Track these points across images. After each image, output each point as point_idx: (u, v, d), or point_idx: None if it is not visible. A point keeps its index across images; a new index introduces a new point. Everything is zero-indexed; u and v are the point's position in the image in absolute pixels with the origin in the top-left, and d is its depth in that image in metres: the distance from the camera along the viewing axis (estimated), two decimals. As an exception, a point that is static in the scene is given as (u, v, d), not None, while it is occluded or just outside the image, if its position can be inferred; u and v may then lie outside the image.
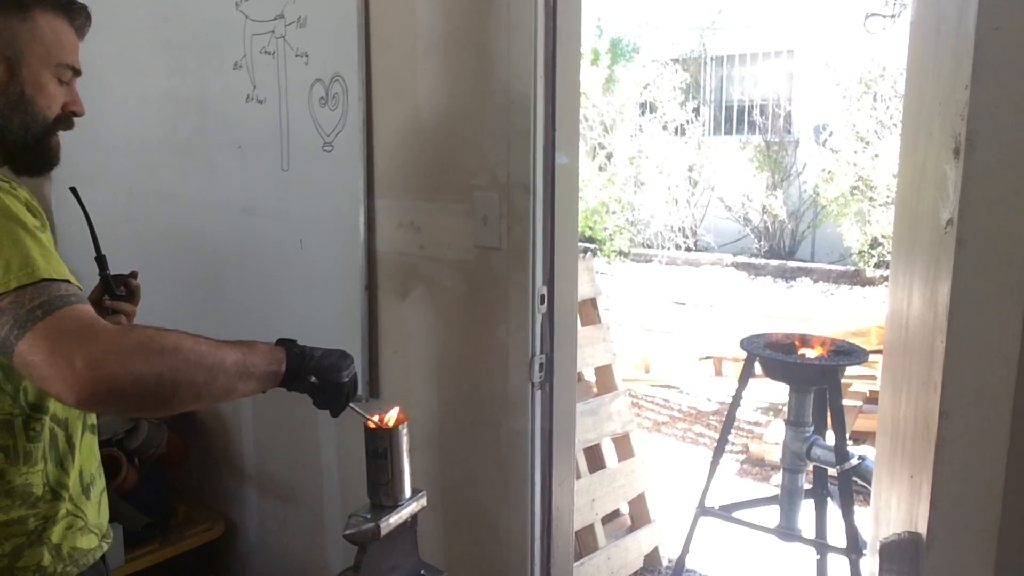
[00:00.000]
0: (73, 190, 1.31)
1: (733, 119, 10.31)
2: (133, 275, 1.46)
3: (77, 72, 1.18)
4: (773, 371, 2.52)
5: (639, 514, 2.93)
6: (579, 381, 2.74)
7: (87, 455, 1.23)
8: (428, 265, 1.77)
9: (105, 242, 1.42)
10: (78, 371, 0.87)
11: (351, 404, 1.21)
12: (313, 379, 1.13)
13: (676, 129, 9.78)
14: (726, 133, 10.31)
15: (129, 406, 1.00)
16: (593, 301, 2.87)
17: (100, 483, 1.27)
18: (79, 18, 1.18)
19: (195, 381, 0.97)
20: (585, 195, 9.29)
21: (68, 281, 0.97)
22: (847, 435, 2.50)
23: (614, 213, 9.67)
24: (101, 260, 1.42)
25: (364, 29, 1.77)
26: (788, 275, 8.66)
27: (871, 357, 3.04)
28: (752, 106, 9.94)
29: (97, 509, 1.24)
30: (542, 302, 1.61)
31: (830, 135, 8.75)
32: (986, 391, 0.85)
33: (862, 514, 2.50)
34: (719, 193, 9.67)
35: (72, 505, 1.18)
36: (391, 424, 1.25)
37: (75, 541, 1.17)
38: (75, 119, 1.19)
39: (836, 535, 2.48)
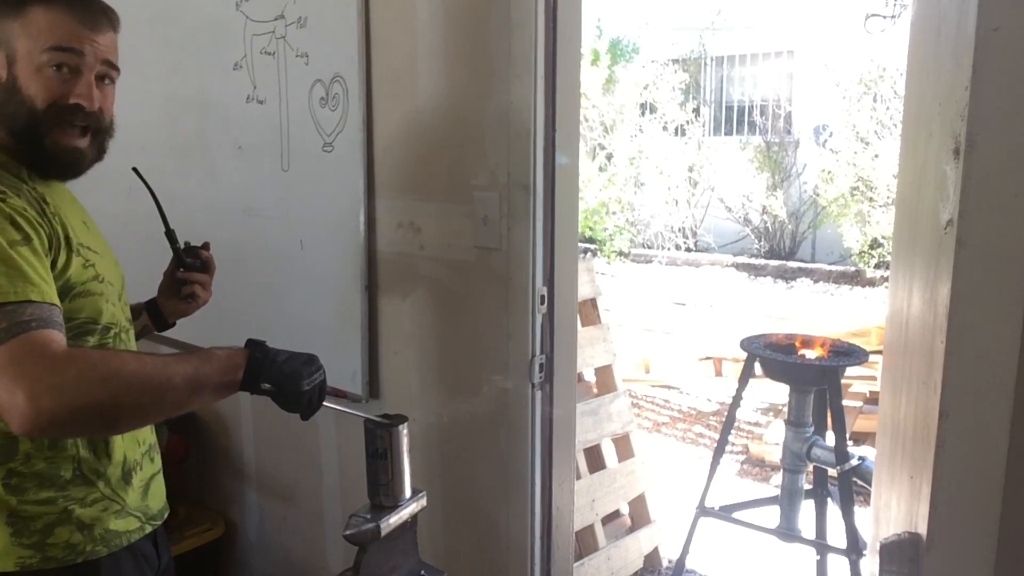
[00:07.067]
0: (135, 170, 1.33)
1: (733, 119, 10.31)
2: (205, 246, 1.48)
3: (78, 53, 1.15)
4: (773, 371, 2.52)
5: (639, 514, 2.93)
6: (579, 381, 2.74)
7: (129, 442, 1.25)
8: (428, 265, 1.77)
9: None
10: (20, 407, 0.92)
11: (326, 403, 1.19)
12: (267, 385, 1.11)
13: (676, 129, 9.78)
14: (726, 133, 10.32)
15: (74, 433, 1.09)
16: (593, 301, 2.87)
17: (148, 468, 1.29)
18: (76, 3, 1.17)
19: (140, 403, 1.01)
20: (585, 195, 9.28)
21: (40, 301, 0.99)
22: (847, 435, 2.50)
23: (614, 213, 9.67)
24: (171, 234, 1.44)
25: (364, 29, 1.77)
26: (788, 276, 8.65)
27: (871, 357, 3.04)
28: (752, 106, 9.94)
29: (141, 494, 1.26)
30: (542, 302, 1.60)
31: (830, 136, 8.75)
32: (986, 391, 0.85)
33: (862, 514, 2.50)
34: (719, 193, 9.67)
35: (109, 490, 1.20)
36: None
37: (108, 523, 1.20)
38: (109, 121, 1.23)
39: (836, 535, 2.48)
